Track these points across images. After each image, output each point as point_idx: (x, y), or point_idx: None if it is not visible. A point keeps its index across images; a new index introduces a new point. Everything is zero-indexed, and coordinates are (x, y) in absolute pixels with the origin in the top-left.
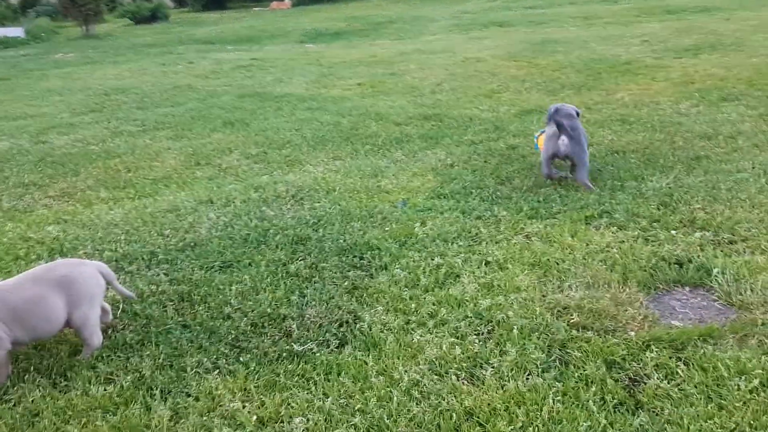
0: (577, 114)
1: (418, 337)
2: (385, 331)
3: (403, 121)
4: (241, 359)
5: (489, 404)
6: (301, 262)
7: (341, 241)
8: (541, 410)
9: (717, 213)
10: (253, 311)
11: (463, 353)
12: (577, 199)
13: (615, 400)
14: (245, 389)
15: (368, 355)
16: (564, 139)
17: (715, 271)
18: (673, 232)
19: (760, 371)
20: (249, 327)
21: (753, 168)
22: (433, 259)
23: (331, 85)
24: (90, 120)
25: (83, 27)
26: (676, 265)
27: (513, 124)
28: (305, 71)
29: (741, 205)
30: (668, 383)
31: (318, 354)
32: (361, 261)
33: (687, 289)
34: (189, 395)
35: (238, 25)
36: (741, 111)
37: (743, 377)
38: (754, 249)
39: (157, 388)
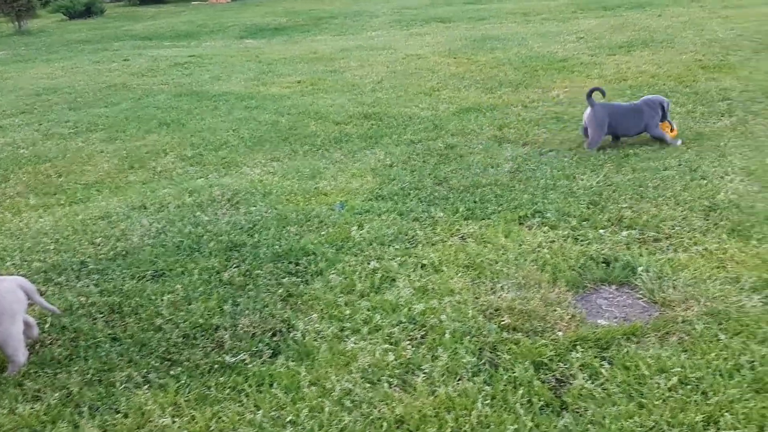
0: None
1: (351, 345)
2: (318, 339)
3: (342, 120)
4: (171, 372)
5: (420, 411)
6: (236, 269)
7: (277, 246)
8: (470, 415)
9: (643, 211)
10: (185, 322)
11: (396, 359)
12: (512, 199)
13: (541, 402)
14: (176, 404)
15: (301, 365)
16: (587, 110)
17: (639, 269)
18: (601, 231)
19: (679, 369)
20: (180, 339)
21: (679, 165)
22: (369, 263)
23: (271, 82)
24: (20, 122)
25: (15, 23)
26: (603, 264)
27: (452, 122)
28: (244, 68)
29: (666, 202)
30: (592, 383)
31: (250, 365)
32: (297, 267)
33: (613, 287)
34: (118, 412)
35: (177, 19)
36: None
37: (663, 375)
38: (677, 246)
39: (85, 405)
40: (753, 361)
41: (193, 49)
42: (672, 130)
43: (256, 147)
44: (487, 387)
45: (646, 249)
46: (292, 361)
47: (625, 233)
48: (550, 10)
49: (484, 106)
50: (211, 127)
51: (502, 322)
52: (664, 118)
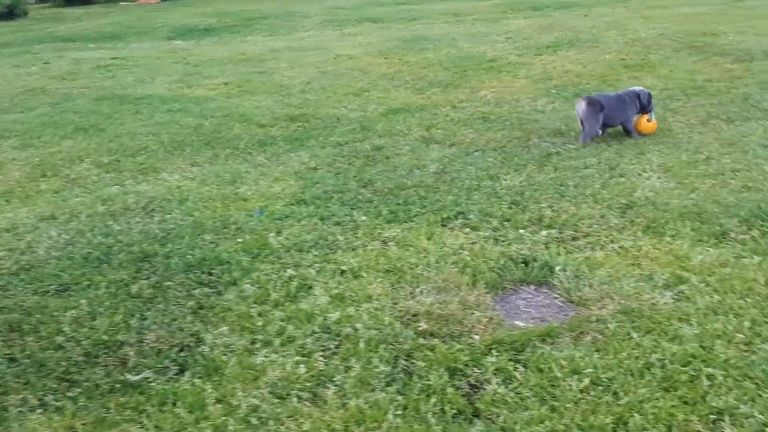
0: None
1: (262, 358)
2: (228, 353)
3: (268, 123)
4: (69, 394)
5: (329, 425)
6: (145, 281)
7: (190, 256)
8: (381, 427)
9: (563, 210)
10: (87, 339)
11: (308, 372)
12: (436, 200)
13: (454, 410)
14: (71, 427)
15: (207, 381)
16: (582, 104)
17: (557, 268)
18: (521, 231)
19: (592, 369)
20: (81, 357)
21: (599, 163)
22: (285, 271)
23: (196, 84)
24: None
25: None
26: (522, 264)
27: (380, 123)
28: (170, 70)
29: (585, 201)
30: (506, 388)
31: (154, 383)
32: (210, 277)
33: (532, 287)
34: None
35: (103, 21)
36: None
37: (576, 377)
38: (595, 245)
39: None
40: (663, 359)
41: (119, 51)
42: (649, 120)
43: (177, 152)
44: (399, 397)
45: (564, 248)
46: (199, 377)
47: (544, 233)
48: (480, 11)
49: (413, 106)
50: (131, 132)
51: (419, 328)
52: (643, 109)
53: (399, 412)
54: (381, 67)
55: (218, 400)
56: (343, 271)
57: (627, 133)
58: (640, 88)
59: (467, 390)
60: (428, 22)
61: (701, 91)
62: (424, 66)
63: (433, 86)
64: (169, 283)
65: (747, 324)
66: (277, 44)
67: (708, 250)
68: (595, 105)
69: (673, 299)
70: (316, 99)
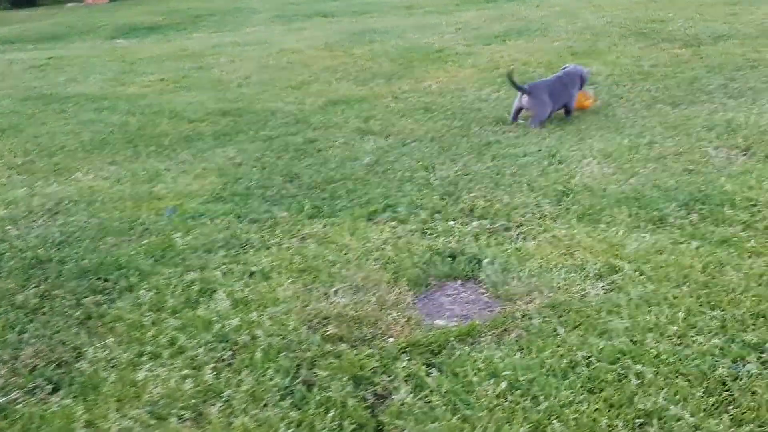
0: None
1: (145, 373)
2: (108, 368)
3: (198, 118)
4: None
5: None
6: (33, 289)
7: (86, 261)
8: None
9: (497, 200)
10: None
11: (195, 387)
12: (364, 193)
13: (353, 425)
14: None
15: (81, 401)
16: (525, 97)
17: (485, 261)
18: (451, 222)
19: (511, 371)
20: None
21: (539, 151)
22: (188, 274)
23: (130, 82)
24: None
25: None
26: (449, 259)
27: (316, 116)
28: (105, 68)
29: (521, 189)
30: (415, 396)
31: (21, 405)
32: (105, 283)
33: (459, 283)
34: None
35: (47, 21)
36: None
37: (493, 380)
38: (527, 235)
39: None
40: (590, 357)
41: (56, 51)
42: (588, 99)
43: (96, 150)
44: (294, 412)
45: (495, 239)
46: (72, 396)
47: (475, 223)
48: (433, 3)
49: (354, 98)
50: (51, 132)
51: (327, 333)
52: (581, 87)
53: (291, 430)
54: (325, 60)
55: (88, 423)
56: (252, 273)
57: (567, 113)
58: (574, 65)
59: (372, 401)
60: (379, 16)
61: (647, 76)
62: (370, 58)
63: (377, 77)
64: (58, 291)
65: (681, 315)
66: (221, 40)
67: (644, 237)
68: (540, 90)
69: (605, 290)
70: (252, 93)
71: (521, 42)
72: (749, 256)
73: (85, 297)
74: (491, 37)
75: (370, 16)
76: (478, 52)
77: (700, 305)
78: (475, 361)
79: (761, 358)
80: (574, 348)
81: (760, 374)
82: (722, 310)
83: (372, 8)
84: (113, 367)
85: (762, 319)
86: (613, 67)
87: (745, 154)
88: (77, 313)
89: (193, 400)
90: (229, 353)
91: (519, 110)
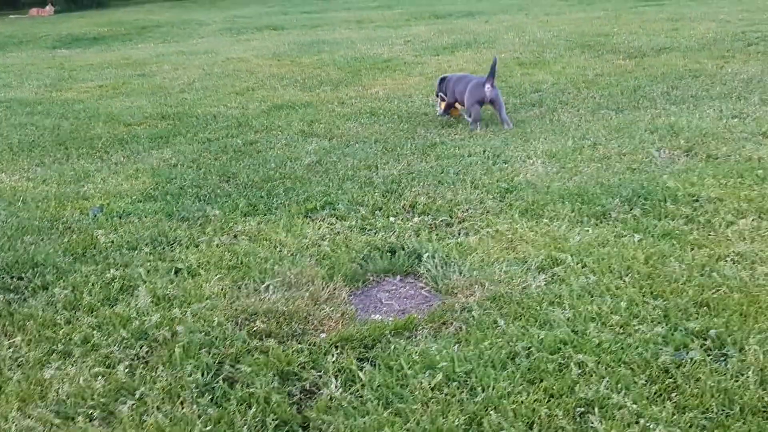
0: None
1: (53, 371)
2: (14, 367)
3: (135, 122)
4: None
5: None
6: None
7: (0, 259)
8: None
9: (439, 196)
10: None
11: (107, 385)
12: (303, 191)
13: (277, 421)
14: None
15: None
16: (488, 87)
17: (425, 256)
18: (392, 219)
19: (447, 363)
20: None
21: (484, 152)
22: (109, 272)
23: (67, 88)
24: None
25: None
26: (389, 254)
27: (259, 119)
28: (43, 75)
29: (464, 187)
30: (345, 391)
31: None
32: (19, 282)
33: (398, 278)
34: None
35: None
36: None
37: (428, 372)
38: (469, 230)
39: None
40: (530, 348)
41: None
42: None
43: (24, 153)
44: (212, 409)
45: (436, 235)
46: None
47: (417, 219)
48: (384, 18)
49: (298, 103)
50: None
51: (254, 328)
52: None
53: (207, 428)
54: (271, 68)
55: None
56: (177, 270)
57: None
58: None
59: (299, 397)
60: (330, 29)
61: (592, 84)
62: (318, 67)
63: (324, 85)
64: None
65: (624, 305)
66: (166, 50)
67: (587, 230)
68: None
69: (546, 282)
70: (194, 98)
71: (469, 53)
72: (692, 249)
73: None
74: (440, 48)
75: (320, 29)
76: (426, 62)
77: (643, 295)
78: (411, 354)
79: (704, 345)
80: (514, 339)
81: (703, 360)
82: (665, 300)
83: (323, 22)
84: (18, 366)
85: (705, 308)
86: (558, 77)
87: (687, 155)
88: None
89: (104, 399)
90: (146, 350)
91: (481, 102)
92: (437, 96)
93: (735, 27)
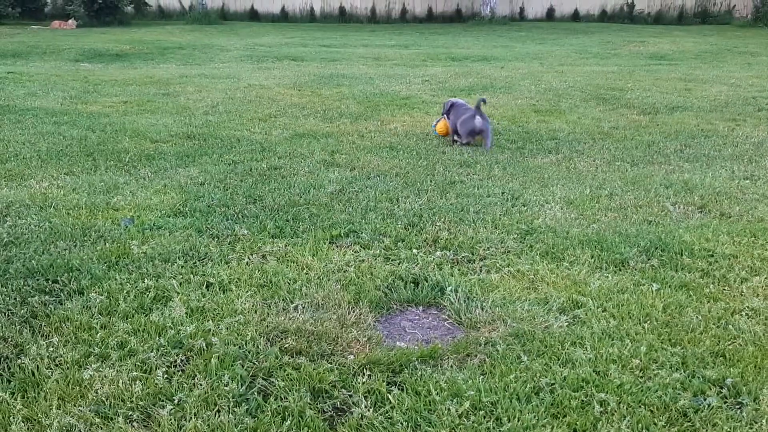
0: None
1: (91, 373)
2: (52, 366)
3: (161, 139)
4: None
5: None
6: None
7: (34, 261)
8: None
9: (461, 233)
10: None
11: (145, 389)
12: (328, 218)
13: None
14: None
15: (20, 397)
16: (479, 119)
17: (448, 289)
18: (414, 251)
19: (473, 392)
20: None
21: (503, 194)
22: (143, 281)
23: (93, 101)
24: None
25: None
26: (412, 284)
27: (282, 146)
28: (67, 87)
29: (485, 225)
30: (375, 411)
31: None
32: (54, 285)
33: (420, 308)
34: None
35: (7, 40)
36: (501, 143)
37: (455, 400)
38: (490, 267)
39: None
40: (553, 384)
41: (17, 67)
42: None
43: (53, 161)
44: (248, 419)
45: (458, 270)
46: (11, 392)
47: (439, 253)
48: (401, 57)
49: (320, 133)
50: (6, 139)
51: (286, 345)
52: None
53: None
54: (293, 98)
55: (26, 419)
56: (209, 284)
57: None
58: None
59: (331, 413)
60: (348, 63)
61: (607, 136)
62: (337, 99)
63: (344, 117)
64: (1, 288)
65: (643, 349)
66: (189, 71)
67: (607, 277)
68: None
69: (568, 323)
70: (218, 121)
71: (486, 97)
72: (708, 301)
73: (32, 296)
74: (457, 90)
75: (339, 63)
76: (444, 101)
77: (662, 342)
78: (437, 381)
79: (720, 393)
80: (538, 374)
81: (720, 407)
82: (683, 348)
83: (341, 56)
84: (57, 365)
85: (721, 358)
86: (574, 126)
87: (701, 212)
88: (22, 311)
89: (142, 402)
90: (183, 358)
91: (472, 133)
92: (442, 115)
93: (745, 91)
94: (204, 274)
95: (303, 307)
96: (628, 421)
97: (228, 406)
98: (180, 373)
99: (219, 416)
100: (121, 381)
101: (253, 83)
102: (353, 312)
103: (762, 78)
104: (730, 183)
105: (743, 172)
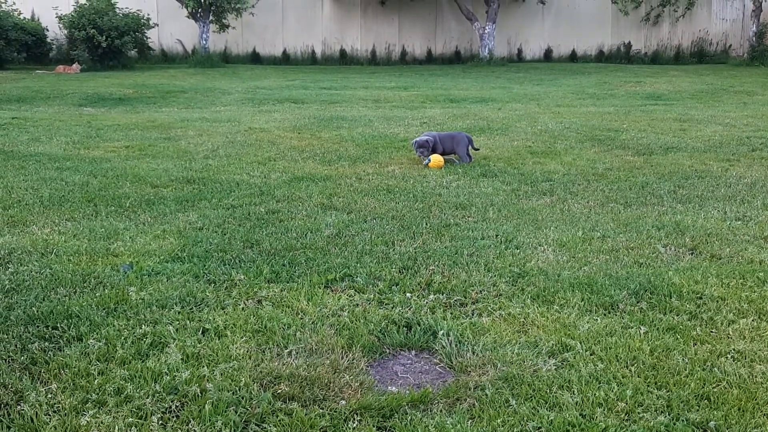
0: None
1: (88, 419)
2: (51, 413)
3: (161, 184)
4: None
5: None
6: None
7: (35, 309)
8: None
9: (454, 276)
10: None
11: None
12: (324, 262)
13: None
14: None
15: None
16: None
17: (440, 333)
18: (408, 294)
19: None
20: None
21: (497, 236)
22: (140, 328)
23: (95, 146)
24: None
25: None
26: (405, 328)
27: (280, 189)
28: (70, 132)
29: (478, 269)
30: None
31: None
32: (53, 331)
33: (413, 353)
34: None
35: (11, 85)
36: (496, 186)
37: None
38: (482, 311)
39: None
40: (540, 428)
41: (21, 113)
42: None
43: (54, 207)
44: None
45: (451, 313)
46: None
47: (432, 297)
48: (400, 99)
49: (318, 176)
50: (8, 186)
51: (279, 391)
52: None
53: None
54: (292, 141)
55: None
56: (205, 330)
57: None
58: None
59: None
60: (348, 106)
61: (601, 177)
62: (337, 142)
63: (342, 160)
64: (2, 335)
65: (629, 392)
66: (190, 115)
67: (596, 320)
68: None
69: (556, 366)
70: (218, 165)
71: (483, 138)
72: (694, 344)
73: (32, 343)
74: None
75: (339, 105)
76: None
77: (648, 384)
78: (427, 426)
79: None
80: (525, 418)
81: None
82: (668, 390)
83: (341, 99)
84: (55, 412)
85: (706, 401)
86: (569, 167)
87: (692, 253)
88: (22, 358)
89: None
90: (178, 404)
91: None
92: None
93: (740, 131)
94: (200, 320)
95: (297, 353)
96: None
97: None
98: (175, 419)
99: None
100: (117, 427)
101: (253, 126)
102: (346, 357)
103: (757, 118)
104: (722, 224)
105: (735, 213)
